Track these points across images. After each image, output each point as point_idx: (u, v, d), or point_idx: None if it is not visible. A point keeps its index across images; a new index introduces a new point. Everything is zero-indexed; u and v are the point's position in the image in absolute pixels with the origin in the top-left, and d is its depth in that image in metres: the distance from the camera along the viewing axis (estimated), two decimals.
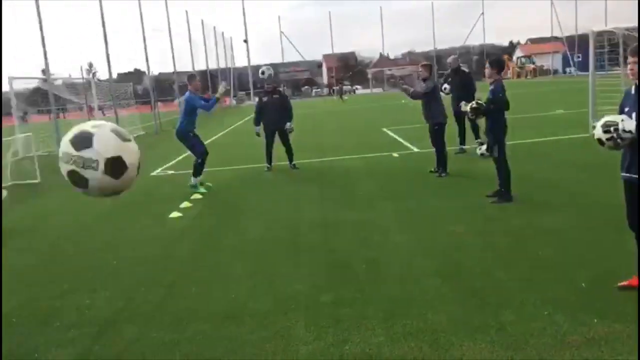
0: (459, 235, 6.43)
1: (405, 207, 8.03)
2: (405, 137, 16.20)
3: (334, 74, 78.94)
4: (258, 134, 12.39)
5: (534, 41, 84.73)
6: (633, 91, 4.32)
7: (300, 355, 3.98)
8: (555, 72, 66.91)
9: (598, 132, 4.32)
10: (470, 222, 6.91)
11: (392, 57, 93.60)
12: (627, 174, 4.35)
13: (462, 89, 11.77)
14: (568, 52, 60.98)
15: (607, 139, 4.21)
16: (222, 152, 16.22)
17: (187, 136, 10.22)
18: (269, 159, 12.36)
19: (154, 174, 13.13)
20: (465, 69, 13.03)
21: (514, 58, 72.92)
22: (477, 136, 12.16)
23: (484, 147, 11.44)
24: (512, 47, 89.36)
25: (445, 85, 12.51)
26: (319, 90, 76.66)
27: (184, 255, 6.65)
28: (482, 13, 66.14)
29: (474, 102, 8.09)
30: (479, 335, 3.99)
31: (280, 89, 13.61)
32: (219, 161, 13.56)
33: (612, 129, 4.19)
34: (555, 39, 67.00)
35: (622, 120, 4.19)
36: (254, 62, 68.29)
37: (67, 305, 5.23)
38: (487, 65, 8.10)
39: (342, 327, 4.35)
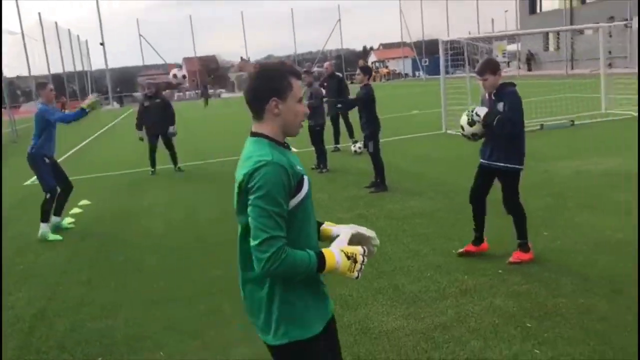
0: (347, 220, 7.32)
1: None
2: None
3: (196, 77, 78.07)
4: (141, 139, 12.53)
5: (385, 46, 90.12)
6: (487, 96, 5.41)
7: (234, 328, 4.59)
8: (406, 75, 71.72)
9: (463, 120, 5.41)
10: (355, 209, 7.87)
11: (252, 60, 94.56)
12: (487, 161, 5.41)
13: (337, 92, 12.83)
14: (417, 57, 65.72)
15: (468, 123, 5.31)
16: (103, 157, 15.95)
17: (38, 162, 7.69)
18: (153, 163, 12.55)
19: (27, 183, 12.71)
20: (339, 74, 14.14)
21: (369, 63, 76.97)
22: (351, 135, 13.31)
23: (358, 144, 12.67)
24: (366, 52, 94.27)
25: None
26: (180, 94, 75.36)
27: (92, 255, 6.88)
28: (339, 20, 69.15)
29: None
30: (380, 296, 4.88)
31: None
32: (101, 167, 13.45)
33: (471, 113, 5.29)
34: (404, 44, 72.00)
35: (475, 109, 5.33)
36: (112, 66, 65.57)
37: None
38: (358, 71, 9.20)
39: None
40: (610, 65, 37.31)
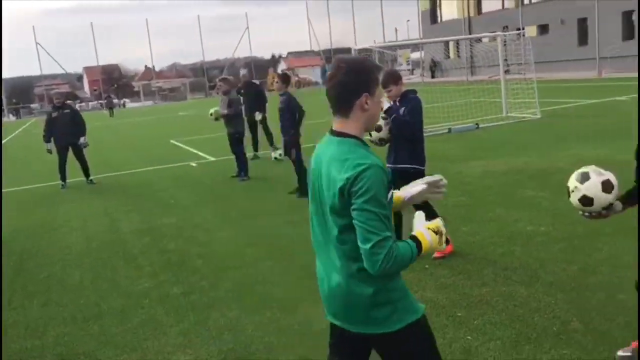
0: (277, 226, 7.43)
1: (221, 209, 8.80)
2: (197, 147, 16.81)
3: (98, 87, 75.10)
4: (49, 151, 11.97)
5: (294, 55, 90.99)
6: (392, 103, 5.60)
7: (171, 334, 4.55)
8: (316, 83, 72.82)
9: (383, 133, 5.53)
10: (283, 215, 7.96)
11: (157, 69, 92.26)
12: (392, 165, 5.59)
13: (255, 100, 12.89)
14: (326, 66, 66.88)
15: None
16: (8, 171, 15.01)
17: None
18: (63, 176, 12.01)
19: None
20: (255, 81, 14.19)
21: (279, 71, 77.47)
22: (271, 143, 13.39)
23: (278, 152, 12.77)
24: (275, 60, 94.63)
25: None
26: (82, 104, 72.26)
27: (10, 273, 6.53)
28: (247, 28, 69.04)
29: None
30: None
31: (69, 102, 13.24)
32: (8, 182, 12.66)
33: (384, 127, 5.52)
34: (313, 52, 72.99)
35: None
36: (6, 76, 61.66)
37: None
38: (277, 80, 9.34)
39: (199, 309, 5.01)
40: (507, 72, 39.83)
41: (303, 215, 7.99)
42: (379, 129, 5.53)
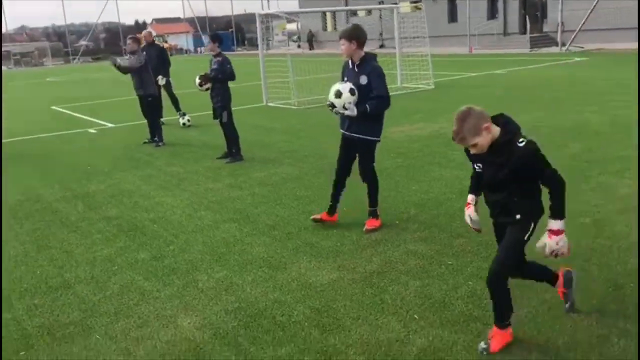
0: (221, 190, 7.25)
1: (148, 174, 8.37)
2: (86, 113, 15.68)
3: None
4: None
5: (162, 21, 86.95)
6: (350, 65, 5.38)
7: (163, 298, 4.34)
8: (188, 51, 70.31)
9: (331, 98, 5.27)
10: (221, 180, 7.76)
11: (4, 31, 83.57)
12: (347, 132, 5.43)
13: (158, 62, 12.22)
14: (201, 33, 64.80)
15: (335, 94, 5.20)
16: None
17: None
18: None
19: None
20: (160, 43, 13.45)
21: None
22: (177, 108, 12.84)
23: (187, 116, 12.35)
24: (140, 26, 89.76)
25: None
26: None
27: None
28: None
29: (201, 73, 8.83)
30: (301, 254, 5.01)
31: None
32: None
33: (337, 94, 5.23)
34: (181, 19, 70.59)
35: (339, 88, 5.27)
36: None
37: None
38: (209, 40, 9.00)
39: (180, 272, 4.82)
40: (382, 46, 41.20)
41: (245, 178, 7.92)
42: (338, 94, 5.20)
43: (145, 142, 10.75)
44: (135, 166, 8.99)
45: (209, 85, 8.75)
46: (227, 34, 67.77)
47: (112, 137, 11.91)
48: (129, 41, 10.55)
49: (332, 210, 5.66)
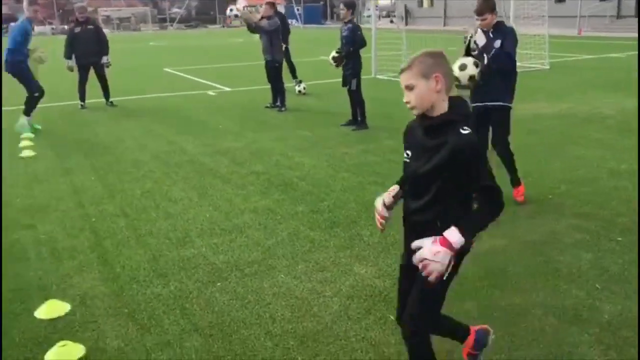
0: (355, 155, 7.42)
1: (281, 136, 8.66)
2: (201, 77, 16.30)
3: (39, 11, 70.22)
4: (70, 69, 11.33)
5: None
6: (483, 34, 5.30)
7: (330, 245, 4.56)
8: None
9: (455, 72, 5.04)
10: (353, 145, 7.93)
11: None
12: (481, 103, 5.35)
13: (284, 29, 12.43)
14: (294, 5, 65.25)
15: (459, 68, 5.10)
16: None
17: (23, 67, 9.25)
18: (82, 96, 11.46)
19: None
20: (280, 12, 13.73)
21: (241, 7, 75.13)
22: (294, 76, 13.12)
23: (303, 84, 12.59)
24: None
25: None
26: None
27: (103, 191, 6.29)
28: None
29: (334, 52, 8.99)
30: None
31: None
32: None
33: (470, 40, 5.30)
34: None
35: (474, 36, 5.29)
36: None
37: None
38: (342, 6, 9.08)
39: (341, 225, 5.02)
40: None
41: (376, 145, 8.04)
42: (463, 67, 5.15)
43: (267, 107, 11.08)
44: (265, 128, 9.31)
45: (343, 62, 8.92)
46: (319, 6, 67.93)
47: (232, 100, 12.34)
48: (264, 5, 10.79)
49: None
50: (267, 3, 10.79)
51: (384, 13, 58.56)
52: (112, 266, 4.36)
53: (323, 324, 3.52)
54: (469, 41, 5.35)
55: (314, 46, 24.98)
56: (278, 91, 10.95)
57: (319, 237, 4.81)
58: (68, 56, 11.25)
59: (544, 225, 4.90)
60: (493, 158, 5.36)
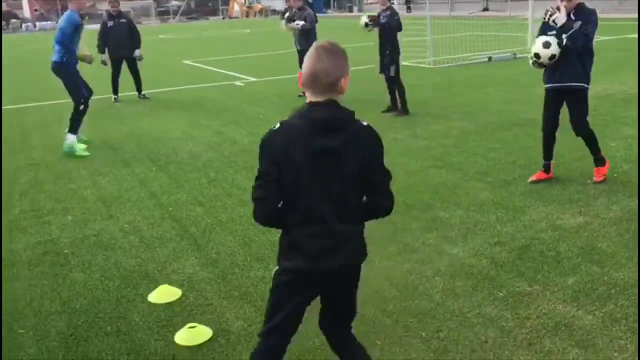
0: (405, 140, 7.52)
1: None
2: (223, 68, 16.34)
3: (39, 6, 70.05)
4: (104, 62, 11.37)
5: None
6: (564, 16, 5.25)
7: (412, 227, 4.66)
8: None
9: (537, 46, 5.31)
10: (400, 131, 8.00)
11: None
12: (557, 84, 5.40)
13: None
14: None
15: (543, 45, 5.23)
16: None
17: (72, 70, 7.63)
18: (116, 89, 11.54)
19: None
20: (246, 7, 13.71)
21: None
22: None
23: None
24: None
25: None
26: (28, 24, 67.68)
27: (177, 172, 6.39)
28: None
29: (365, 18, 9.18)
30: None
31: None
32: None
33: (550, 19, 5.26)
34: None
35: (554, 16, 5.26)
36: None
37: None
38: None
39: (418, 208, 5.12)
40: (485, 9, 40.02)
41: (422, 130, 8.10)
42: (547, 45, 5.26)
43: (300, 96, 11.13)
44: None
45: (371, 28, 9.03)
46: None
47: (262, 90, 12.39)
48: None
49: (547, 168, 5.72)
50: None
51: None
52: (207, 252, 4.47)
53: (434, 301, 3.63)
54: (547, 19, 5.36)
55: (326, 34, 24.94)
56: None
57: (399, 220, 4.90)
58: (102, 50, 11.29)
59: (619, 202, 4.99)
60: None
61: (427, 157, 6.71)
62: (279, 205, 2.31)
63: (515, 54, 15.10)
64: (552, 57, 5.30)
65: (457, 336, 3.26)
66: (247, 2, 74.24)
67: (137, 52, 11.46)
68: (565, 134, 6.36)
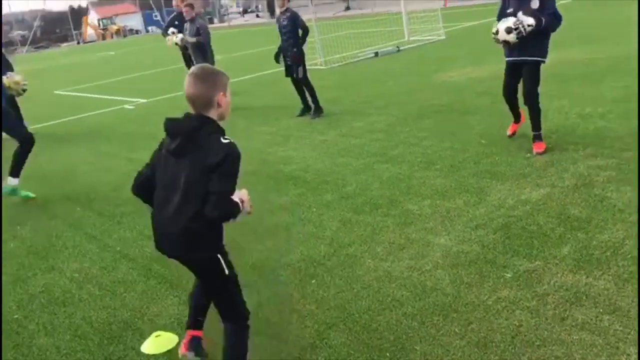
0: (335, 140, 7.42)
1: (246, 135, 8.38)
2: (100, 93, 15.33)
3: None
4: None
5: (101, 4, 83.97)
6: None
7: (388, 224, 4.57)
8: (138, 32, 68.34)
9: (503, 36, 5.60)
10: (326, 132, 7.90)
11: None
12: (519, 58, 5.74)
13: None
14: (154, 11, 62.95)
15: (516, 37, 5.53)
16: None
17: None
18: None
19: None
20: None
21: (96, 21, 71.18)
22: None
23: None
24: (77, 11, 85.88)
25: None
26: None
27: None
28: None
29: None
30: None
31: None
32: None
33: (515, 28, 5.55)
34: None
35: (520, 20, 5.53)
36: None
37: None
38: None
39: (383, 206, 5.03)
40: (347, 9, 41.20)
41: (348, 129, 8.01)
42: (509, 31, 5.51)
43: None
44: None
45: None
46: (173, 10, 66.05)
47: (157, 111, 11.71)
48: (186, 8, 10.32)
49: (517, 117, 6.19)
50: (187, 5, 10.31)
51: (251, 8, 58.27)
52: (183, 287, 4.01)
53: (449, 295, 3.54)
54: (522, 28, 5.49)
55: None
56: None
57: (372, 220, 4.78)
58: None
59: (567, 170, 5.20)
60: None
61: (365, 154, 6.65)
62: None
63: (398, 47, 15.62)
64: (506, 42, 5.63)
65: (490, 325, 3.19)
66: (100, 24, 71.09)
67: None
68: (493, 117, 6.61)
